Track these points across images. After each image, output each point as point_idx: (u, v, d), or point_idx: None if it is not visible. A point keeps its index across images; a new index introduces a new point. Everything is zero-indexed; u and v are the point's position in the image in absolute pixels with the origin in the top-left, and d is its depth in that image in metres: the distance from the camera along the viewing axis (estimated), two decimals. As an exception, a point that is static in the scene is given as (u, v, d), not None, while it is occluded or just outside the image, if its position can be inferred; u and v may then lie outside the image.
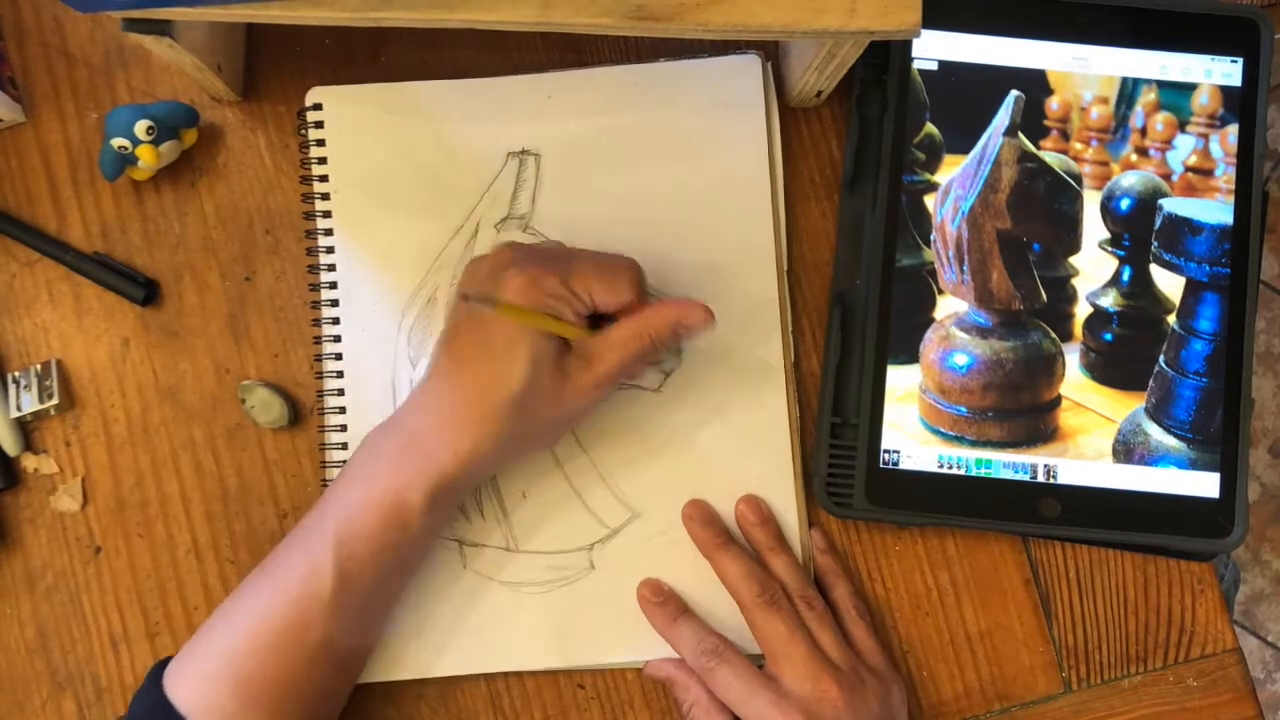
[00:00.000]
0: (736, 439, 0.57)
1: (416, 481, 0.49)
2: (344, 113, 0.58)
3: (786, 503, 0.57)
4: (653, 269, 0.54)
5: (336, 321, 0.57)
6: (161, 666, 0.50)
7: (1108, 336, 0.58)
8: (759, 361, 0.57)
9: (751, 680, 0.51)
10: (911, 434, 0.57)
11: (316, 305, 0.58)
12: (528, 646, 0.56)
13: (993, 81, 0.59)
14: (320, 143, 0.58)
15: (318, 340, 0.58)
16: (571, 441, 0.57)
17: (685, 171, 0.58)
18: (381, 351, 0.57)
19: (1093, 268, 0.58)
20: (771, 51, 0.59)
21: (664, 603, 0.55)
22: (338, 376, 0.57)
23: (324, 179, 0.58)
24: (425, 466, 0.49)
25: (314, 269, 0.58)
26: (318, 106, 0.58)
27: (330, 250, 0.58)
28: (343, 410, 0.57)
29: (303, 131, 0.59)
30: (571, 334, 0.50)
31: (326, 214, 0.58)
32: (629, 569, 0.56)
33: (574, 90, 0.58)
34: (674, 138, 0.58)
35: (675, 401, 0.57)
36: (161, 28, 0.49)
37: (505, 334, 0.49)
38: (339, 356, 0.57)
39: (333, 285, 0.58)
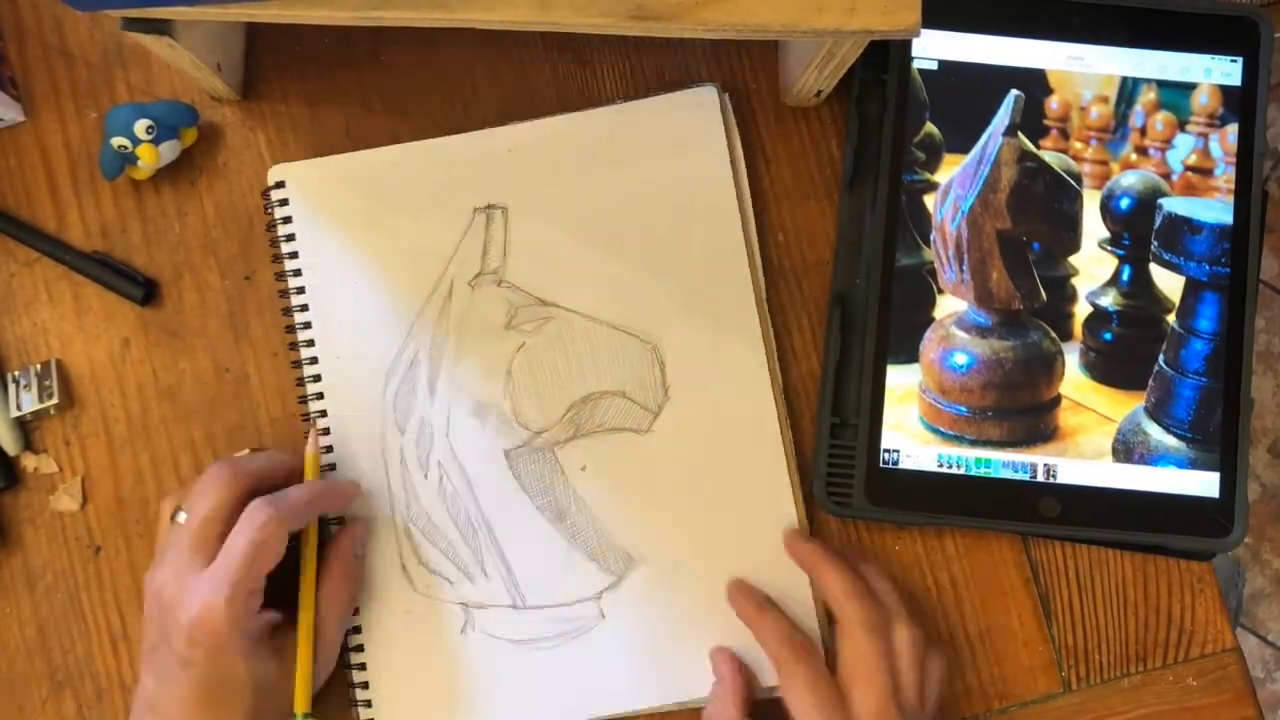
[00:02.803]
0: (732, 470, 0.57)
1: None
2: (307, 188, 0.58)
3: (789, 521, 0.57)
4: (632, 303, 0.56)
5: (321, 396, 0.57)
6: None
7: (1107, 336, 0.58)
8: (745, 393, 0.57)
9: (825, 691, 0.51)
10: (911, 433, 0.57)
11: (301, 382, 0.58)
12: (545, 703, 0.56)
13: (992, 81, 0.59)
14: (287, 220, 0.58)
15: (305, 418, 0.57)
16: (568, 496, 0.57)
17: (652, 208, 0.58)
18: (370, 421, 0.57)
19: (1092, 267, 0.58)
20: (730, 83, 0.59)
21: (753, 590, 0.55)
22: (328, 451, 0.57)
23: (294, 255, 0.58)
24: None
25: (294, 346, 0.58)
26: (281, 185, 0.58)
27: (308, 326, 0.57)
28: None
29: (269, 210, 0.58)
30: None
31: (300, 290, 0.58)
32: (639, 615, 0.56)
33: (533, 141, 0.58)
34: (638, 176, 0.58)
35: (666, 442, 0.57)
36: (161, 27, 0.49)
37: (251, 651, 0.50)
38: (327, 431, 0.57)
39: (313, 360, 0.57)
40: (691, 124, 0.58)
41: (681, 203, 0.58)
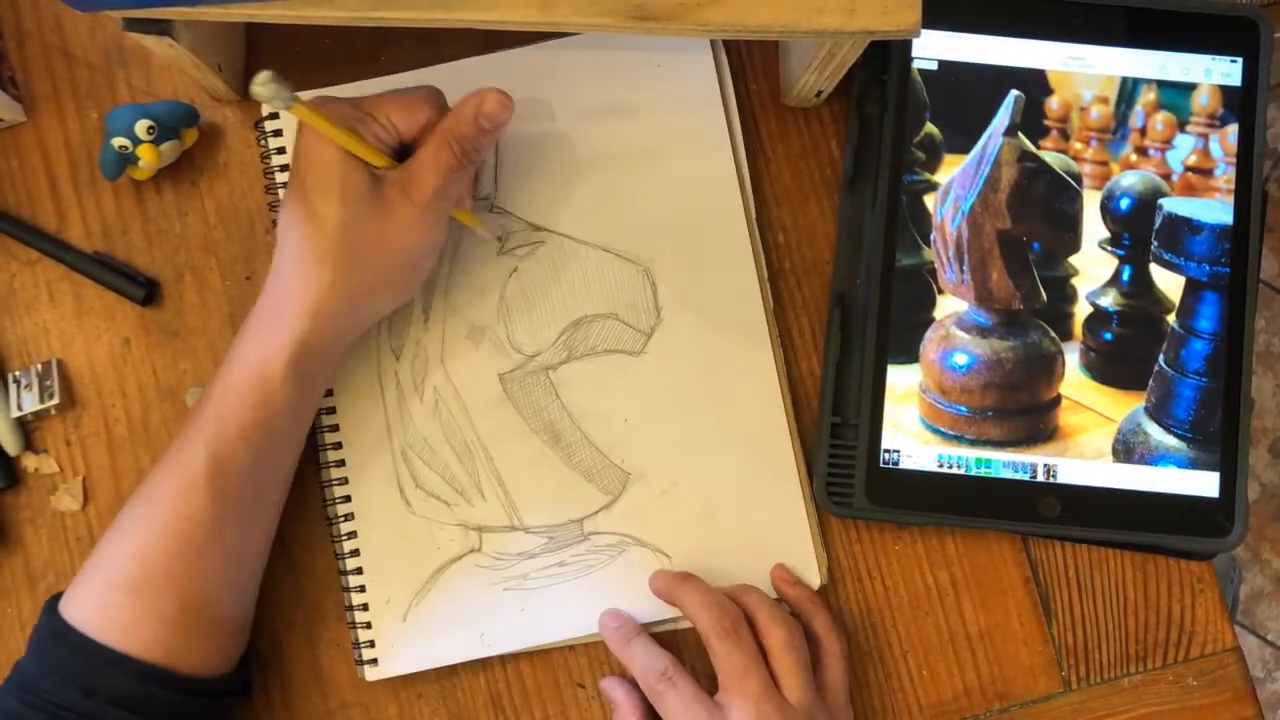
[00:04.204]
0: (726, 397, 0.57)
1: (275, 351, 0.49)
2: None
3: (782, 435, 0.57)
4: (624, 226, 0.56)
5: None
6: (57, 597, 0.50)
7: (1107, 336, 0.58)
8: (738, 311, 0.58)
9: (697, 709, 0.51)
10: (911, 433, 0.57)
11: None
12: (543, 622, 0.56)
13: (992, 81, 0.59)
14: (280, 150, 0.58)
15: None
16: (563, 419, 0.57)
17: (645, 137, 0.59)
18: (364, 347, 0.57)
19: (1092, 267, 0.58)
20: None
21: (620, 626, 0.55)
22: (331, 417, 0.57)
23: (287, 186, 0.58)
24: (280, 333, 0.49)
25: None
26: (274, 115, 0.58)
27: None
28: (340, 453, 0.57)
29: (262, 141, 0.59)
30: (371, 157, 0.49)
31: None
32: (637, 533, 0.57)
33: (527, 66, 0.59)
34: (628, 103, 0.59)
35: (659, 363, 0.57)
36: (161, 27, 0.49)
37: (316, 176, 0.48)
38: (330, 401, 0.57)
39: None
40: (682, 59, 0.59)
41: (672, 126, 0.59)
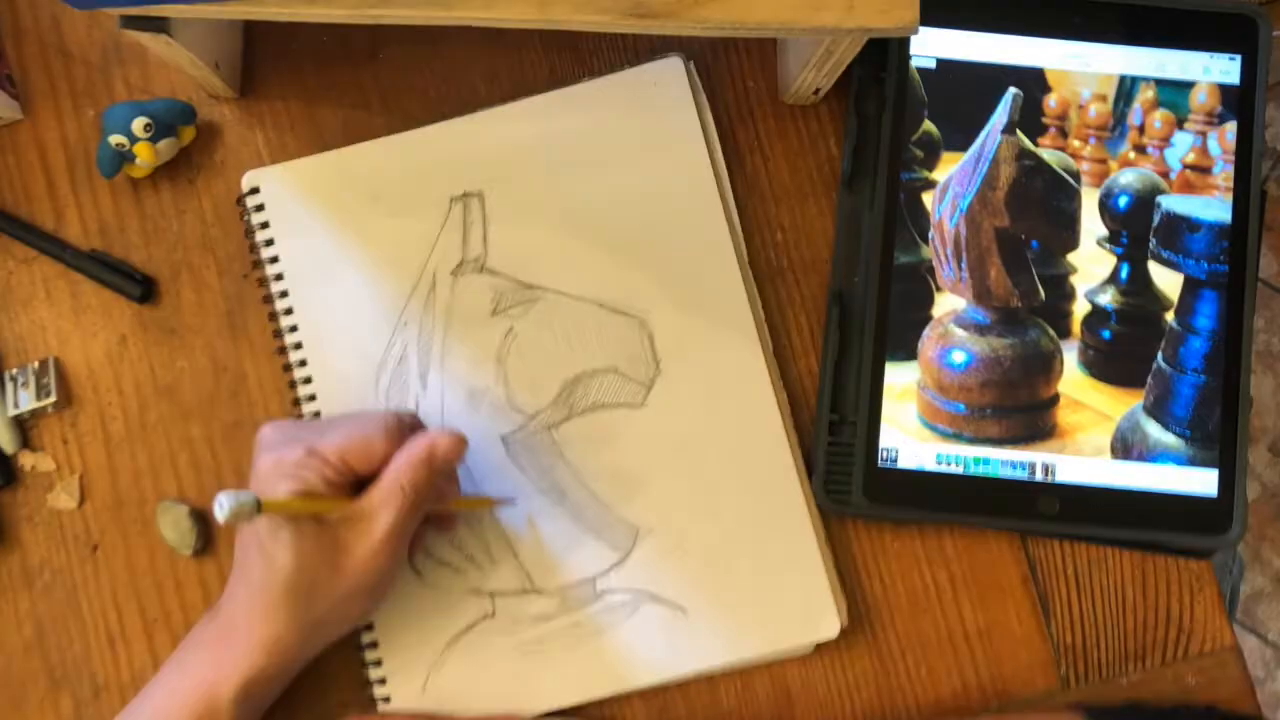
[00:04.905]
0: (731, 444, 0.57)
1: (227, 674, 0.49)
2: (282, 191, 0.58)
3: (789, 478, 0.57)
4: (616, 279, 0.56)
5: (314, 398, 0.57)
6: None
7: (1106, 334, 0.58)
8: (736, 356, 0.57)
9: None
10: (910, 431, 0.57)
11: (293, 385, 0.58)
12: (562, 684, 0.56)
13: (991, 79, 0.59)
14: (265, 225, 0.58)
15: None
16: (568, 477, 0.57)
17: (627, 182, 0.58)
18: None
19: (1091, 265, 0.58)
20: (695, 52, 0.59)
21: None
22: None
23: (274, 260, 0.58)
24: (236, 658, 0.49)
25: (282, 350, 0.58)
26: (255, 190, 0.58)
27: (294, 329, 0.57)
28: None
29: (245, 218, 0.58)
30: (327, 508, 0.49)
31: (284, 294, 0.58)
32: (649, 588, 0.56)
33: (503, 125, 0.58)
34: (611, 151, 0.58)
35: (661, 414, 0.57)
36: (159, 25, 0.49)
37: (266, 526, 0.48)
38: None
39: (303, 363, 0.57)
40: (660, 94, 0.59)
41: (656, 174, 0.58)
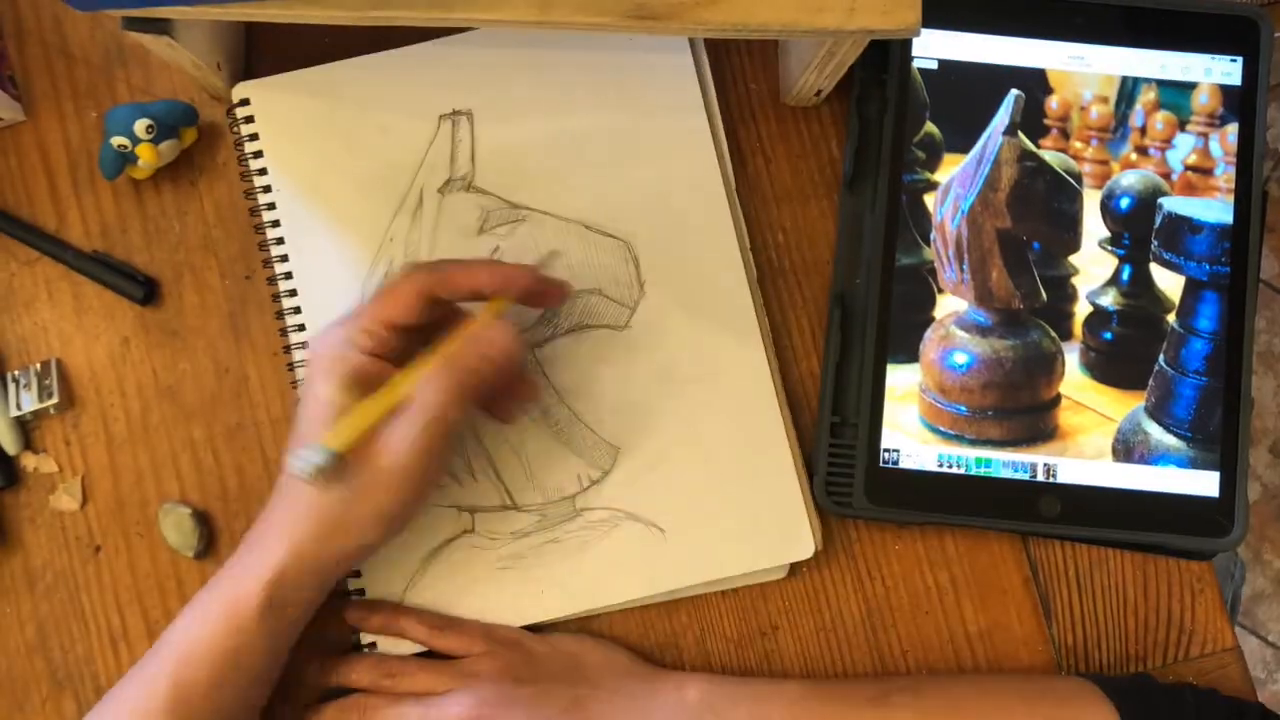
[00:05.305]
0: (712, 368, 0.57)
1: (252, 581, 0.48)
2: (273, 105, 0.58)
3: (769, 402, 0.57)
4: (603, 202, 0.57)
5: (298, 310, 0.57)
6: None
7: (1107, 335, 0.58)
8: (721, 280, 0.58)
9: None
10: (911, 433, 0.57)
11: (276, 298, 0.58)
12: (540, 600, 0.56)
13: (992, 80, 0.59)
14: (254, 137, 0.58)
15: (285, 347, 0.58)
16: (550, 395, 0.57)
17: (619, 107, 0.58)
18: None
19: (1092, 266, 0.58)
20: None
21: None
22: (303, 347, 0.57)
23: (263, 172, 0.58)
24: (262, 561, 0.49)
25: (267, 263, 0.58)
26: (245, 102, 0.58)
27: (280, 242, 0.58)
28: None
29: (235, 130, 0.59)
30: (381, 410, 0.48)
31: (271, 206, 0.58)
32: (628, 507, 0.57)
33: (497, 46, 0.58)
34: (605, 80, 0.58)
35: (645, 337, 0.57)
36: (161, 26, 0.49)
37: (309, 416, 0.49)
38: (304, 345, 0.57)
39: (288, 275, 0.57)
40: (659, 41, 0.59)
41: (649, 101, 0.58)
